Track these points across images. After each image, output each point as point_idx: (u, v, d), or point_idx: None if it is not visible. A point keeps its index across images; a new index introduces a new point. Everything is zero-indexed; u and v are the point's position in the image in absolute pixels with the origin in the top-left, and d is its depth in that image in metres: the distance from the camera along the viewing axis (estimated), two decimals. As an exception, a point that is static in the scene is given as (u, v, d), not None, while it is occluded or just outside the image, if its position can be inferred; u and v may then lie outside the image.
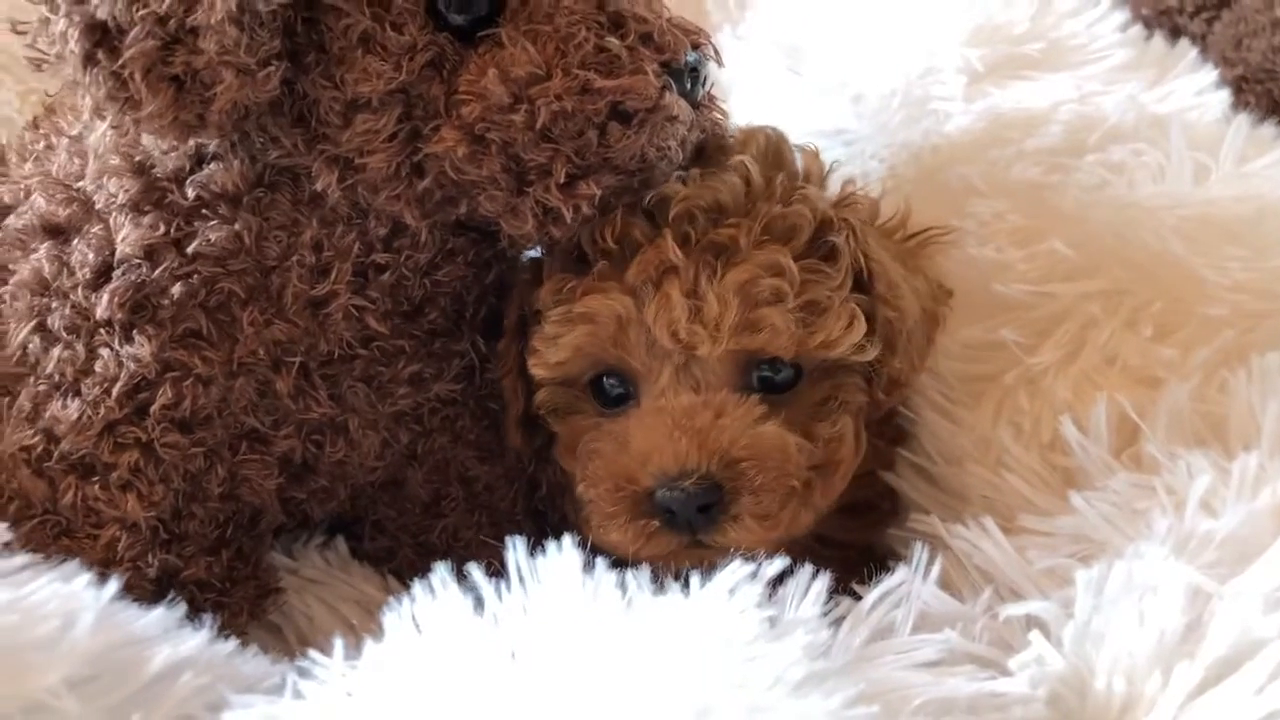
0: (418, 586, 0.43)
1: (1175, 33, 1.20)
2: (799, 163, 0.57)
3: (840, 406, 0.55)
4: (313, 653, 0.42)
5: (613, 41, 0.49)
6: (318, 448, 0.58)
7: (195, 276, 0.53)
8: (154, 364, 0.53)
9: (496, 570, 0.44)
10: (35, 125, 0.67)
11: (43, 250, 0.54)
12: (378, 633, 0.56)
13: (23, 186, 0.57)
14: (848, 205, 0.56)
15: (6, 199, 0.58)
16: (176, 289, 0.52)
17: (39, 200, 0.56)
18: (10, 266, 0.56)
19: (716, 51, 0.55)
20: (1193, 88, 0.70)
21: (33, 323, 0.54)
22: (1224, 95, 0.70)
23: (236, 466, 0.56)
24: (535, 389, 0.56)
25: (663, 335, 0.51)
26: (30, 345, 0.54)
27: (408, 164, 0.50)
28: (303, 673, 0.42)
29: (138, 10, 0.45)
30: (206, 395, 0.54)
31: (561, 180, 0.49)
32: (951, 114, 0.69)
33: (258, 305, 0.53)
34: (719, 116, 0.56)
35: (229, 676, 0.43)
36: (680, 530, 0.51)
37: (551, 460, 0.62)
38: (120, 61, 0.46)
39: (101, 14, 0.46)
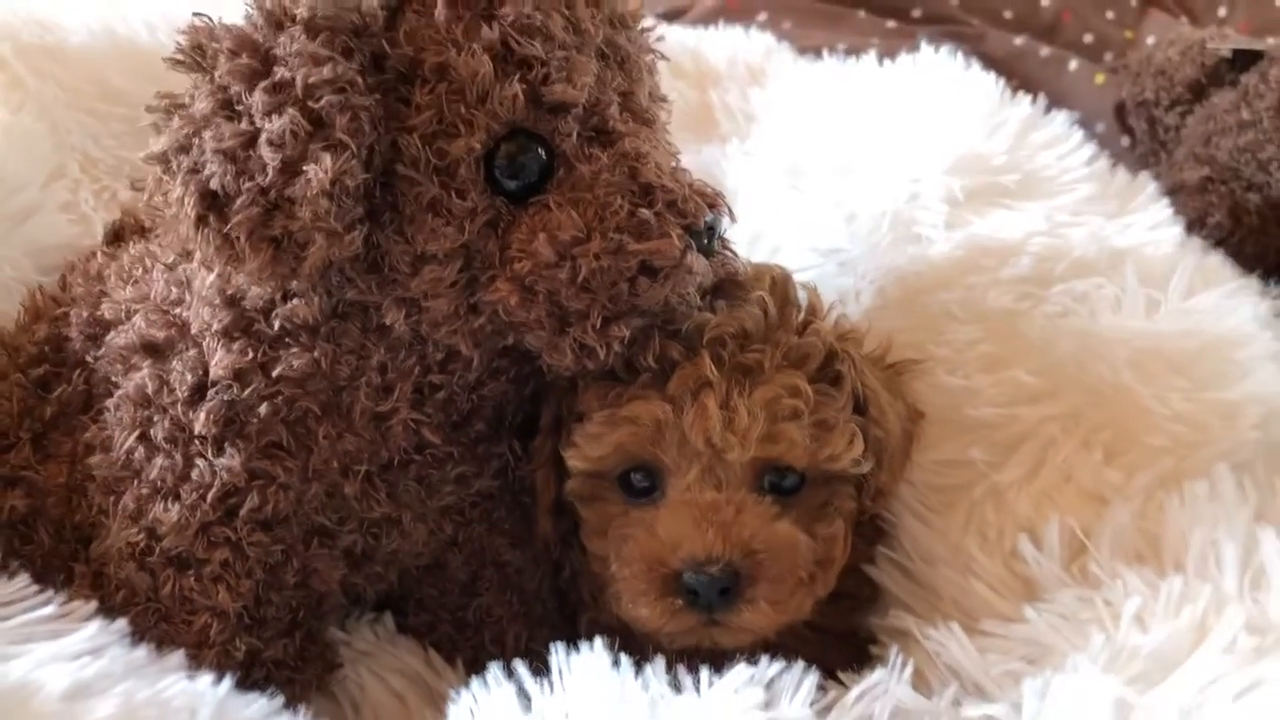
0: (474, 684, 0.51)
1: (1152, 123, 1.30)
2: (804, 298, 0.66)
3: (835, 510, 0.64)
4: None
5: (644, 211, 0.57)
6: (375, 540, 0.66)
7: (279, 397, 0.60)
8: (242, 473, 0.60)
9: (534, 659, 0.52)
10: (117, 238, 0.75)
11: (146, 368, 0.62)
12: (422, 703, 0.65)
13: (124, 307, 0.66)
14: (848, 339, 0.66)
15: (108, 315, 0.67)
16: (263, 408, 0.60)
17: (140, 322, 0.64)
18: (113, 379, 0.65)
19: (730, 210, 0.63)
20: (1149, 221, 0.78)
21: (136, 432, 0.62)
22: (1177, 231, 0.78)
23: (308, 559, 0.64)
24: (564, 480, 0.64)
25: (698, 439, 0.59)
26: (135, 453, 0.62)
27: (465, 305, 0.58)
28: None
29: (244, 182, 0.53)
30: (286, 499, 0.62)
31: (598, 324, 0.57)
32: (934, 240, 0.77)
33: (331, 420, 0.61)
34: (730, 256, 0.64)
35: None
36: (700, 610, 0.59)
37: (574, 547, 0.71)
38: (228, 226, 0.53)
39: (214, 184, 0.53)
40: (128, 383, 0.63)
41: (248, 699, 0.52)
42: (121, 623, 0.51)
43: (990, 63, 1.33)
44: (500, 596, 0.72)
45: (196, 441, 0.61)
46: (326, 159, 0.52)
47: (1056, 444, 0.66)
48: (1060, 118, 0.86)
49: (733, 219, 0.63)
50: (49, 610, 0.50)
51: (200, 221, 0.54)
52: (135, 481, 0.62)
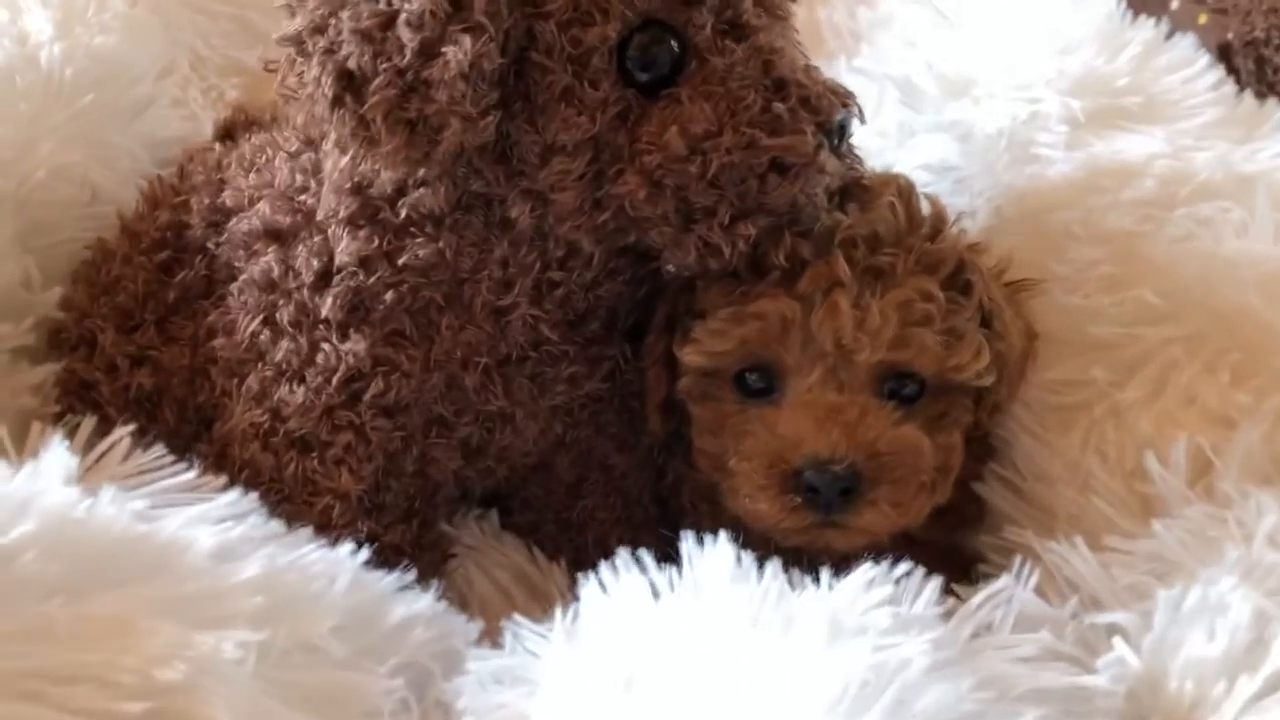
0: (603, 568, 0.52)
1: (1260, 63, 1.26)
2: (926, 208, 0.65)
3: (953, 421, 0.63)
4: (518, 617, 0.51)
5: (778, 105, 0.56)
6: (489, 433, 0.66)
7: (403, 285, 0.61)
8: (367, 358, 0.61)
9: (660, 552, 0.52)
10: (228, 134, 0.76)
11: (270, 253, 0.63)
12: (527, 599, 0.65)
13: (247, 195, 0.66)
14: (976, 250, 0.66)
15: (230, 203, 0.67)
16: (388, 295, 0.61)
17: (264, 208, 0.64)
18: (237, 265, 0.65)
19: (860, 111, 0.62)
20: (1277, 148, 0.76)
21: (261, 316, 0.63)
22: (1308, 158, 0.76)
23: (427, 448, 0.65)
24: (676, 378, 0.64)
25: (826, 339, 0.59)
26: (260, 336, 0.63)
27: (591, 199, 0.58)
28: (515, 634, 0.51)
29: (381, 62, 0.53)
30: (408, 386, 0.62)
31: (725, 221, 0.57)
32: (1054, 160, 0.76)
33: (453, 311, 0.62)
34: (858, 160, 0.64)
35: (451, 632, 0.52)
36: (819, 509, 0.59)
37: (677, 455, 0.71)
38: (365, 106, 0.53)
39: (351, 64, 0.53)
40: (253, 267, 0.64)
41: (380, 574, 0.52)
42: (255, 496, 0.52)
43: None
44: (604, 499, 0.73)
45: (321, 326, 0.62)
46: (466, 41, 0.52)
47: (1180, 366, 0.65)
48: (1186, 41, 0.83)
49: (862, 120, 0.63)
50: (189, 477, 0.51)
51: (337, 101, 0.54)
52: (260, 364, 0.63)
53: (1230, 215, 0.71)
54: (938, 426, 0.63)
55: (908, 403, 0.62)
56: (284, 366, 0.63)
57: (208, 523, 0.48)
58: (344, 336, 0.62)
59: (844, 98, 0.60)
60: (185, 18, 0.87)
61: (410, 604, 0.51)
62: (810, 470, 0.58)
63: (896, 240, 0.60)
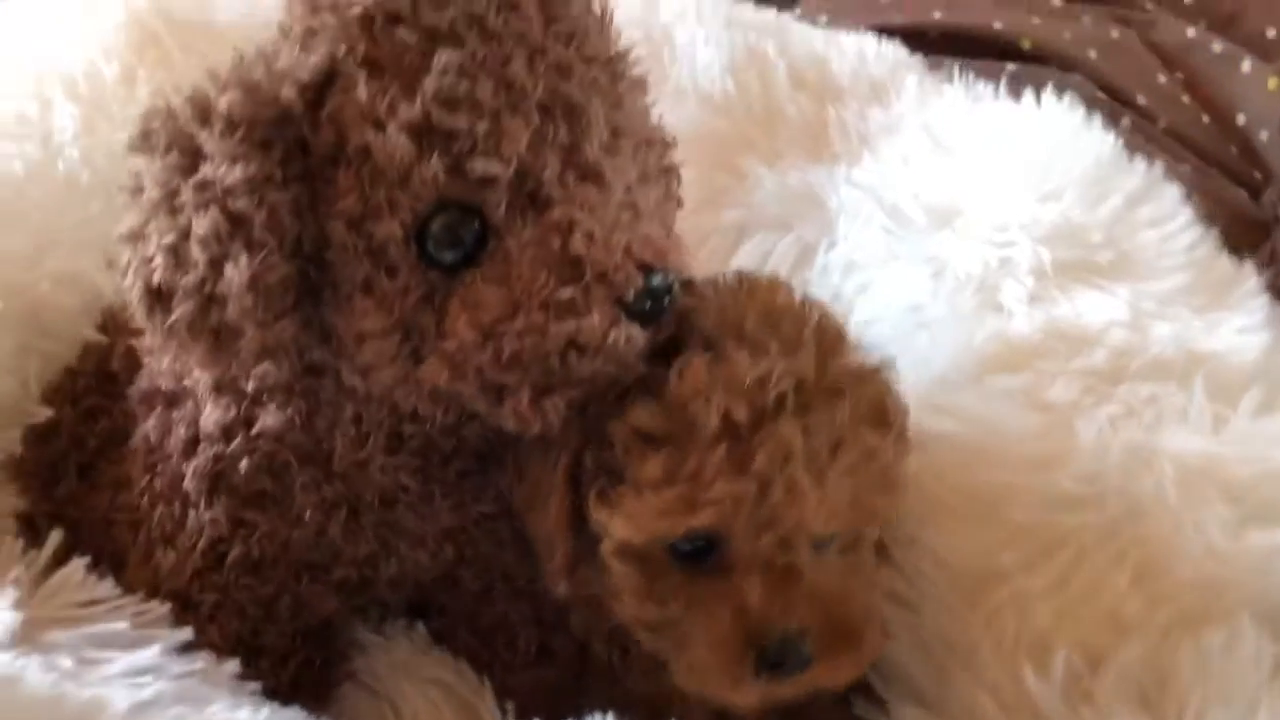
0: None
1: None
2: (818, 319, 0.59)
3: (866, 545, 0.61)
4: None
5: (566, 290, 0.54)
6: (373, 570, 0.68)
7: (258, 451, 0.63)
8: (226, 524, 0.64)
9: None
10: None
11: (155, 416, 0.67)
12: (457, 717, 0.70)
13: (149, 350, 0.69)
14: (886, 366, 0.61)
15: (143, 355, 0.70)
16: (244, 461, 0.63)
17: (155, 367, 0.67)
18: (138, 420, 0.69)
19: (678, 271, 0.59)
20: (1240, 323, 0.76)
21: (146, 478, 0.67)
22: (1266, 337, 0.75)
23: (300, 594, 0.68)
24: (581, 533, 0.59)
25: (786, 518, 0.55)
26: (144, 497, 0.67)
27: (412, 374, 0.57)
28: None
29: (181, 277, 0.54)
30: (271, 545, 0.65)
31: (526, 400, 0.56)
32: (1014, 314, 0.77)
33: (309, 471, 0.63)
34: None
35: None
36: (781, 683, 0.56)
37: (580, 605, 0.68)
38: (170, 319, 0.55)
39: (156, 279, 0.55)
40: (143, 427, 0.68)
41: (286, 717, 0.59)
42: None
43: (1157, 52, 1.28)
44: (514, 604, 0.73)
45: (188, 493, 0.65)
46: (243, 259, 0.53)
47: (1088, 556, 0.67)
48: (1170, 191, 0.83)
49: (685, 276, 0.61)
50: (125, 621, 0.58)
51: (149, 311, 0.56)
52: (146, 525, 0.67)
53: (1174, 399, 0.72)
54: (854, 552, 0.60)
55: (824, 547, 0.58)
56: (161, 530, 0.66)
57: (127, 680, 0.55)
58: (205, 505, 0.65)
59: (651, 262, 0.57)
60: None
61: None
62: (778, 648, 0.55)
63: (828, 385, 0.56)
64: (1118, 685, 0.62)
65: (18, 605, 0.56)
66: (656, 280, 0.56)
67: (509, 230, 0.55)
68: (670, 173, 0.68)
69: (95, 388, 0.74)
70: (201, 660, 0.60)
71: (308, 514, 0.64)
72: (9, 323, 0.75)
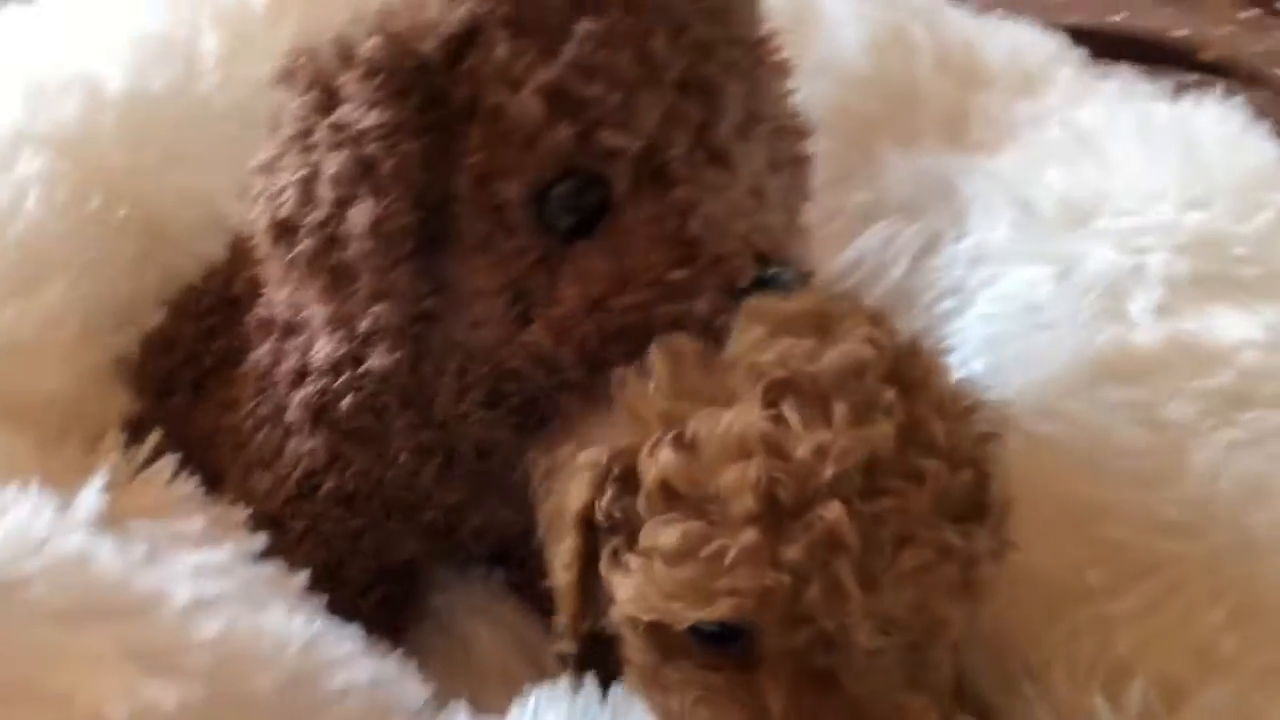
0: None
1: None
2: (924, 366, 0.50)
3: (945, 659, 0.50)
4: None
5: (677, 271, 0.54)
6: (460, 517, 0.70)
7: (364, 390, 0.64)
8: (324, 455, 0.66)
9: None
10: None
11: (268, 344, 0.69)
12: (524, 663, 0.71)
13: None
14: (992, 441, 0.51)
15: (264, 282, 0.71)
16: (349, 398, 0.64)
17: (274, 297, 0.68)
18: (251, 345, 0.71)
19: (795, 264, 0.58)
20: (1396, 356, 0.70)
21: (253, 403, 0.69)
22: None
23: (388, 533, 0.70)
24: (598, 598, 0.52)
25: (827, 622, 0.45)
26: (248, 421, 0.69)
27: (519, 336, 0.58)
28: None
29: (307, 214, 0.56)
30: (365, 481, 0.67)
31: None
32: (1139, 324, 0.73)
33: (410, 414, 0.65)
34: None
35: (392, 704, 0.60)
36: None
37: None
38: (292, 253, 0.57)
39: (283, 212, 0.57)
40: (255, 354, 0.70)
41: (342, 634, 0.60)
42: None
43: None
44: None
45: (291, 422, 0.67)
46: (369, 203, 0.54)
47: (1182, 588, 0.63)
48: (1334, 212, 0.76)
49: (804, 270, 0.59)
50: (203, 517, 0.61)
51: (274, 243, 0.58)
52: (247, 448, 0.70)
53: (1308, 429, 0.66)
54: (923, 651, 0.49)
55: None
56: (260, 453, 0.69)
57: (188, 576, 0.57)
58: (307, 435, 0.66)
59: (773, 252, 0.56)
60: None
61: (352, 672, 0.59)
62: None
63: (902, 464, 0.45)
64: (1203, 722, 0.58)
65: (107, 488, 0.59)
66: (771, 273, 0.55)
67: (629, 204, 0.55)
68: (802, 162, 0.67)
69: (216, 308, 0.76)
70: (271, 567, 0.62)
71: (403, 457, 0.66)
72: (131, 230, 0.78)
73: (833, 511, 0.43)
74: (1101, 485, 0.67)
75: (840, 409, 0.45)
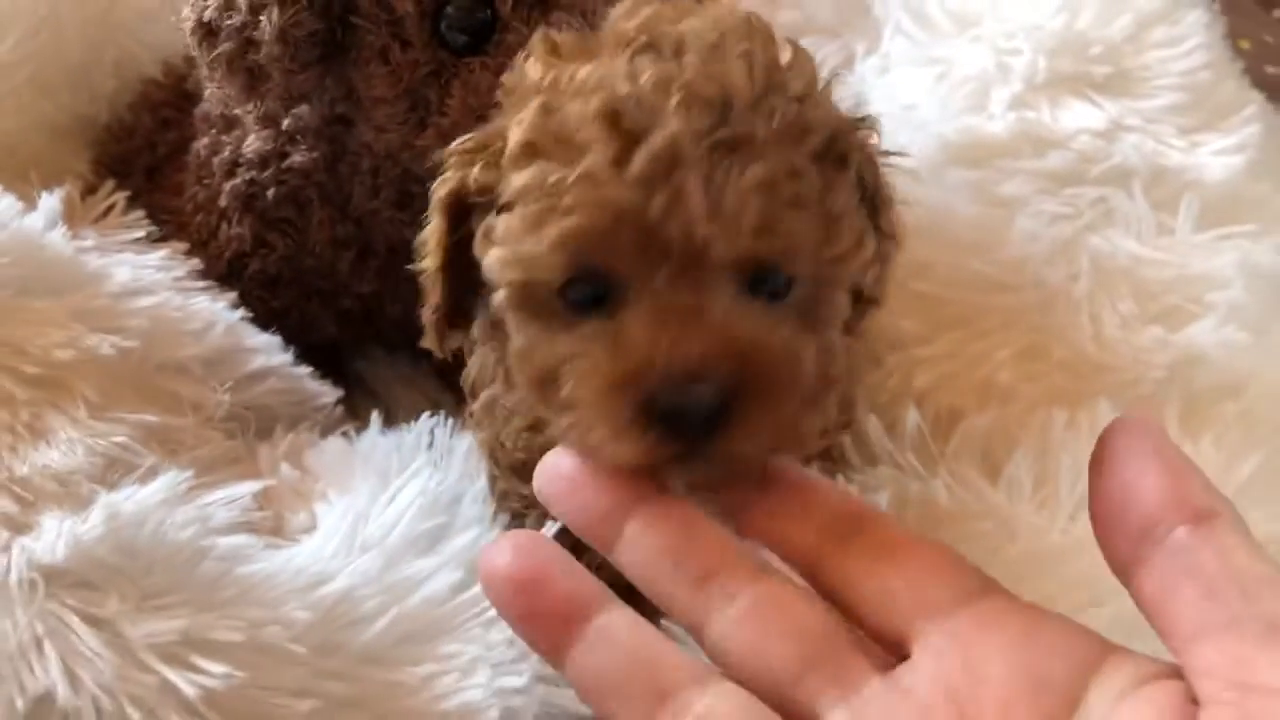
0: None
1: None
2: (788, 55, 0.49)
3: (830, 318, 0.49)
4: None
5: None
6: (378, 306, 0.77)
7: (286, 184, 0.72)
8: (250, 240, 0.74)
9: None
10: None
11: (208, 136, 0.76)
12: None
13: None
14: (863, 127, 0.51)
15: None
16: (272, 190, 0.72)
17: (215, 93, 0.73)
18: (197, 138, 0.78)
19: None
20: (1220, 144, 0.76)
21: (192, 189, 0.77)
22: (1239, 160, 0.75)
23: (308, 314, 0.77)
24: (469, 287, 0.53)
25: (674, 232, 0.44)
26: (188, 205, 0.77)
27: (415, 142, 0.64)
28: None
29: (225, 20, 0.63)
30: (288, 267, 0.75)
31: None
32: (993, 116, 0.80)
33: (328, 209, 0.72)
34: None
35: (304, 394, 0.71)
36: (680, 438, 0.44)
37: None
38: (214, 53, 0.63)
39: (206, 16, 0.63)
40: (198, 143, 0.77)
41: (255, 330, 0.72)
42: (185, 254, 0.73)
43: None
44: None
45: (224, 208, 0.75)
46: (275, 10, 0.61)
47: (988, 335, 0.71)
48: (1193, 16, 0.82)
49: None
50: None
51: (200, 44, 0.65)
52: (188, 229, 0.77)
53: (1123, 206, 0.74)
54: (813, 326, 0.48)
55: (775, 299, 0.46)
56: (197, 236, 0.76)
57: (129, 263, 0.69)
58: (236, 221, 0.74)
59: None
60: None
61: (272, 358, 0.70)
62: (668, 392, 0.43)
63: (753, 103, 0.45)
64: (963, 445, 0.67)
65: (64, 202, 0.70)
66: None
67: (515, 23, 0.61)
68: None
69: (171, 101, 0.82)
70: (203, 270, 0.73)
71: (320, 247, 0.74)
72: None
73: (673, 125, 0.43)
74: (930, 248, 0.75)
75: (693, 53, 0.46)
